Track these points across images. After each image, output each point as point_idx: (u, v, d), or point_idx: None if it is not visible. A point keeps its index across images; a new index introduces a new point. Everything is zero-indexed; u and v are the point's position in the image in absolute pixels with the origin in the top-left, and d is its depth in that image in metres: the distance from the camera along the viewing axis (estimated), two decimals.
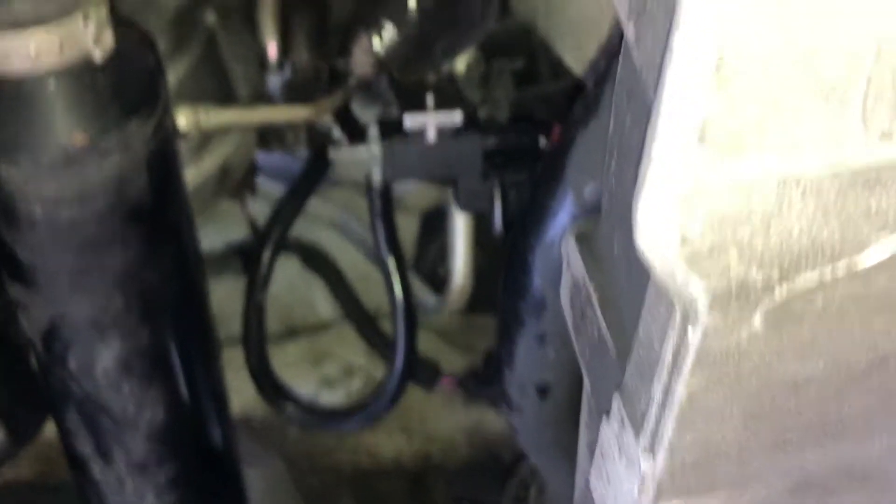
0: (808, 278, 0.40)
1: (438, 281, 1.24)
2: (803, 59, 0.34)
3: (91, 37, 0.70)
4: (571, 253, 0.55)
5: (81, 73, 0.71)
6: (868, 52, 0.34)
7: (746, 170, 0.36)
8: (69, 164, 0.72)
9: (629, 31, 0.45)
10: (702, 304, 0.40)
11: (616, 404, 0.49)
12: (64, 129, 0.71)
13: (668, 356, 0.43)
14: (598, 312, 0.52)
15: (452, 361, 1.27)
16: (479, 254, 1.16)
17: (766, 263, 0.39)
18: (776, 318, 0.41)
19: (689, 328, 0.41)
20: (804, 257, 0.39)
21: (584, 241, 0.55)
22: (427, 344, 1.35)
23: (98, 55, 0.71)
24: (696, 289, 0.40)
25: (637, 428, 0.46)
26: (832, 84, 0.35)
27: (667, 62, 0.36)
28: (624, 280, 0.51)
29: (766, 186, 0.36)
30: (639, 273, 0.47)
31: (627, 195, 0.46)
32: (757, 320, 0.41)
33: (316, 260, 1.28)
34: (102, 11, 0.71)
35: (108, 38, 0.72)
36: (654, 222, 0.37)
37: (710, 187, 0.36)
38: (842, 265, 0.39)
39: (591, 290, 0.53)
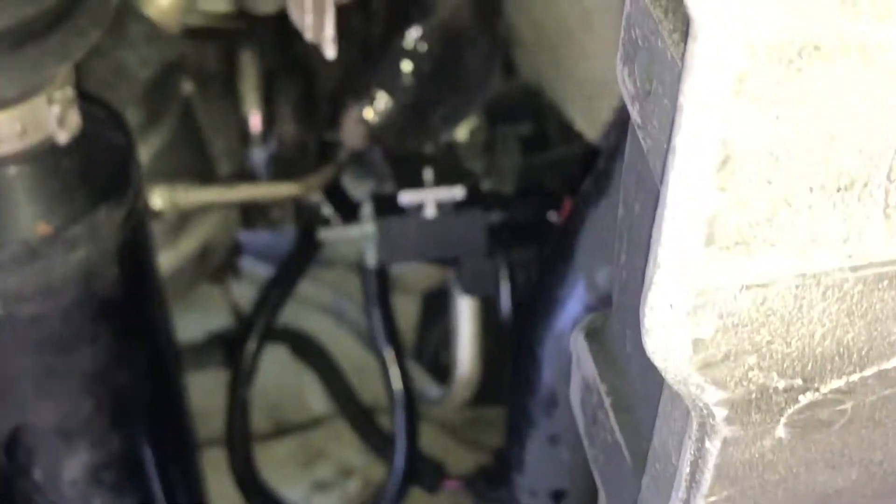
0: (834, 384, 0.41)
1: (442, 370, 1.24)
2: (816, 152, 0.35)
3: (55, 119, 0.72)
4: (581, 351, 0.56)
5: (45, 158, 0.73)
6: (889, 143, 0.35)
7: (760, 269, 0.37)
8: (32, 257, 0.73)
9: (635, 113, 0.46)
10: (720, 413, 0.41)
11: None
12: (26, 218, 0.72)
13: (685, 469, 0.43)
14: (612, 417, 0.53)
15: (459, 460, 1.27)
16: (486, 339, 1.16)
17: (788, 369, 0.40)
18: (802, 426, 0.42)
19: (707, 439, 0.41)
20: (829, 362, 0.40)
21: (595, 338, 0.56)
22: (430, 441, 1.35)
23: (63, 138, 0.73)
24: (712, 397, 0.40)
25: None
26: (850, 176, 0.36)
27: (670, 154, 0.37)
28: (638, 382, 0.52)
29: (782, 287, 0.37)
30: (654, 375, 0.48)
31: (639, 290, 0.47)
32: (781, 429, 0.42)
33: (307, 349, 1.29)
34: (68, 91, 0.73)
35: (74, 120, 0.73)
36: (663, 326, 0.38)
37: (721, 289, 0.37)
38: (871, 369, 0.40)
39: (604, 392, 0.54)
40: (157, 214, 0.98)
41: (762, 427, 0.41)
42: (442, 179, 0.98)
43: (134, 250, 0.80)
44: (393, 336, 1.05)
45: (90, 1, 0.71)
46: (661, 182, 0.40)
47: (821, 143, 0.35)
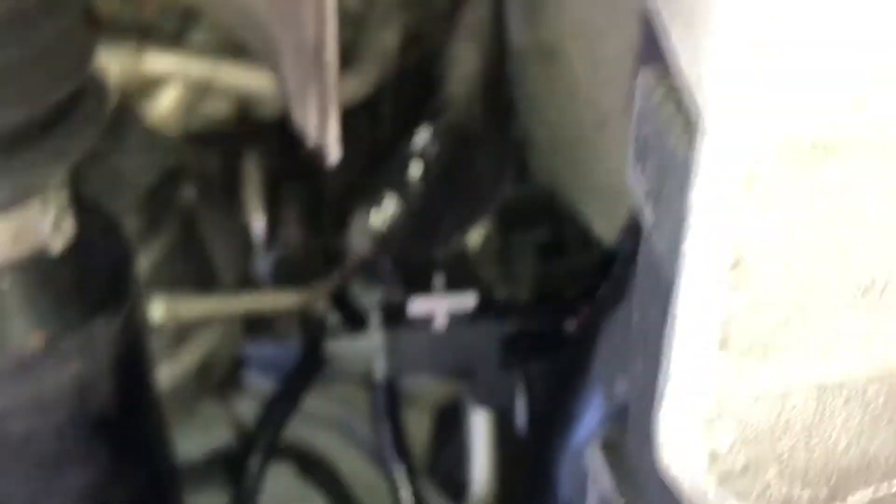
0: (861, 494, 0.41)
1: (456, 488, 1.24)
2: (833, 253, 0.35)
3: (49, 225, 0.73)
4: (598, 466, 0.56)
5: (37, 267, 0.73)
6: None
7: (777, 377, 0.37)
8: (23, 371, 0.73)
9: (647, 215, 0.47)
10: None
11: None
12: (17, 330, 0.73)
13: None
14: None
15: None
16: (502, 455, 1.16)
17: (812, 480, 0.40)
18: None
19: None
20: (855, 472, 0.40)
21: (612, 452, 0.56)
22: None
23: (57, 245, 0.73)
24: None
25: None
26: (870, 279, 0.36)
27: (681, 255, 0.37)
28: (657, 497, 0.52)
29: (801, 395, 0.37)
30: (673, 490, 0.48)
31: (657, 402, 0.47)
32: None
33: (314, 467, 1.28)
34: (63, 196, 0.73)
35: (69, 226, 0.74)
36: (678, 438, 0.38)
37: (738, 397, 0.37)
38: None
39: None
40: (156, 326, 0.98)
41: None
42: (453, 287, 0.98)
43: (131, 364, 0.80)
44: (404, 452, 1.05)
45: (85, 104, 0.73)
46: (674, 286, 0.40)
47: (837, 243, 0.35)
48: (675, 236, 0.43)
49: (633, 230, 0.86)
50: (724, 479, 0.40)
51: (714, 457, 0.39)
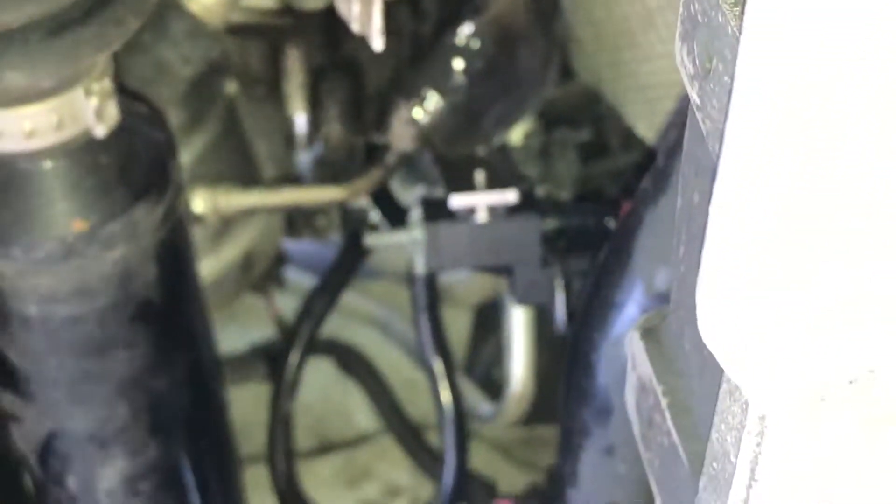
0: None
1: (494, 387, 1.24)
2: None
3: (93, 112, 0.73)
4: (637, 351, 0.56)
5: (82, 153, 0.73)
6: None
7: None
8: (68, 256, 0.74)
9: (693, 94, 0.46)
10: (781, 404, 0.40)
11: None
12: (62, 215, 0.73)
13: (744, 466, 0.43)
14: (669, 419, 0.53)
15: (510, 480, 1.26)
16: (540, 354, 1.16)
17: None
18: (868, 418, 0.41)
19: (767, 433, 0.41)
20: None
21: (652, 338, 0.55)
22: (481, 460, 1.35)
23: (101, 132, 0.73)
24: (772, 387, 0.40)
25: None
26: None
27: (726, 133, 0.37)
28: (697, 381, 0.52)
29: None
30: (713, 372, 0.47)
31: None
32: (846, 423, 0.41)
33: (353, 363, 1.29)
34: (106, 83, 0.73)
35: (113, 113, 0.74)
36: (717, 315, 0.38)
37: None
38: None
39: (660, 393, 0.53)
40: (198, 219, 0.98)
41: (826, 419, 0.41)
42: (495, 184, 0.98)
43: (173, 251, 0.80)
44: (442, 347, 1.05)
45: None
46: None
47: None
48: (722, 116, 0.42)
49: (677, 123, 0.85)
50: (761, 358, 0.39)
51: (751, 334, 0.38)
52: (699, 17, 0.45)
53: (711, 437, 0.46)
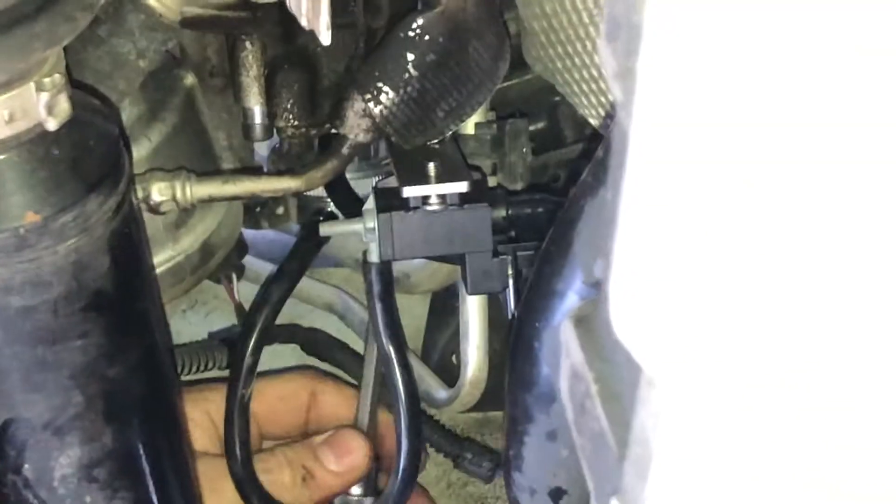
0: None
1: (448, 372, 1.25)
2: None
3: (44, 106, 0.73)
4: (570, 339, 0.57)
5: (34, 146, 0.74)
6: None
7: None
8: (21, 247, 0.74)
9: (617, 92, 0.47)
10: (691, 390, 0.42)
11: None
12: (14, 208, 0.74)
13: (662, 451, 0.44)
14: (598, 405, 0.54)
15: None
16: (494, 340, 1.17)
17: None
18: None
19: (679, 417, 0.42)
20: None
21: (584, 326, 0.56)
22: None
23: (52, 126, 0.74)
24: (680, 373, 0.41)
25: None
26: None
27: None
28: (624, 369, 0.53)
29: None
30: (635, 361, 0.49)
31: None
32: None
33: (320, 345, 1.30)
34: (57, 78, 0.74)
35: (64, 107, 0.75)
36: (629, 301, 0.39)
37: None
38: None
39: (591, 380, 0.54)
40: (155, 209, 0.99)
41: (738, 404, 0.42)
42: (447, 174, 0.99)
43: (126, 242, 0.81)
44: (396, 333, 1.06)
45: None
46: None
47: None
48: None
49: (614, 117, 0.86)
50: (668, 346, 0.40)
51: (658, 323, 0.40)
52: (621, 19, 0.46)
53: (633, 423, 0.47)
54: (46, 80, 0.73)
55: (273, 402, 1.16)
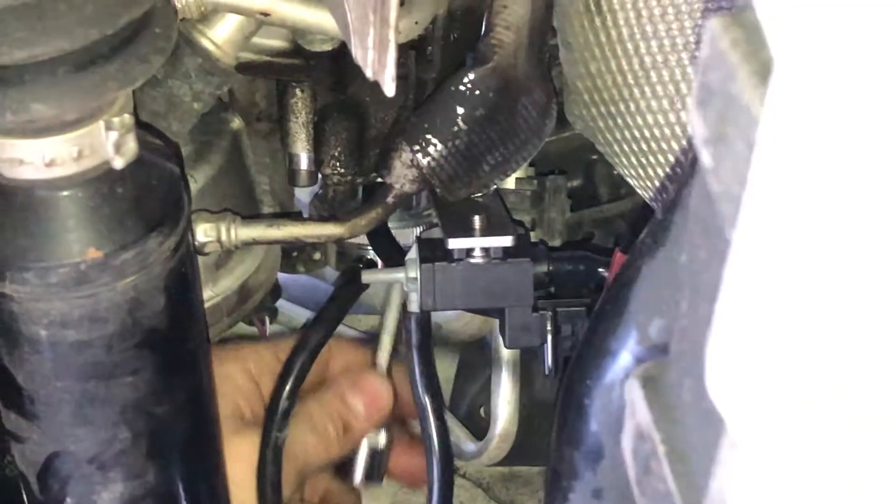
0: None
1: (477, 426, 1.25)
2: None
3: (112, 145, 0.74)
4: (636, 399, 0.57)
5: (99, 184, 0.75)
6: None
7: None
8: (80, 282, 0.75)
9: (706, 158, 0.48)
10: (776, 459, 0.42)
11: None
12: (77, 243, 0.75)
13: None
14: (666, 466, 0.54)
15: None
16: (526, 395, 1.18)
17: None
18: None
19: (761, 483, 0.43)
20: None
21: (651, 386, 0.57)
22: (463, 496, 1.36)
23: (119, 164, 0.75)
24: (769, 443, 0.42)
25: None
26: None
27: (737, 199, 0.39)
28: (695, 431, 0.53)
29: None
30: (711, 422, 0.49)
31: (701, 337, 0.48)
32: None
33: None
34: (126, 118, 0.75)
35: (131, 146, 0.76)
36: (724, 375, 0.40)
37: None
38: None
39: (658, 441, 0.55)
40: (199, 250, 1.00)
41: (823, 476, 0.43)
42: (492, 229, 0.99)
43: (181, 281, 0.82)
44: (432, 385, 1.06)
45: (153, 28, 0.74)
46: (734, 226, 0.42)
47: None
48: (732, 177, 0.44)
49: (674, 180, 0.87)
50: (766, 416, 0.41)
51: (752, 392, 0.40)
52: (714, 85, 0.47)
53: (710, 487, 0.48)
54: (116, 119, 0.74)
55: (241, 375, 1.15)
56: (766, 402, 0.41)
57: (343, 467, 1.19)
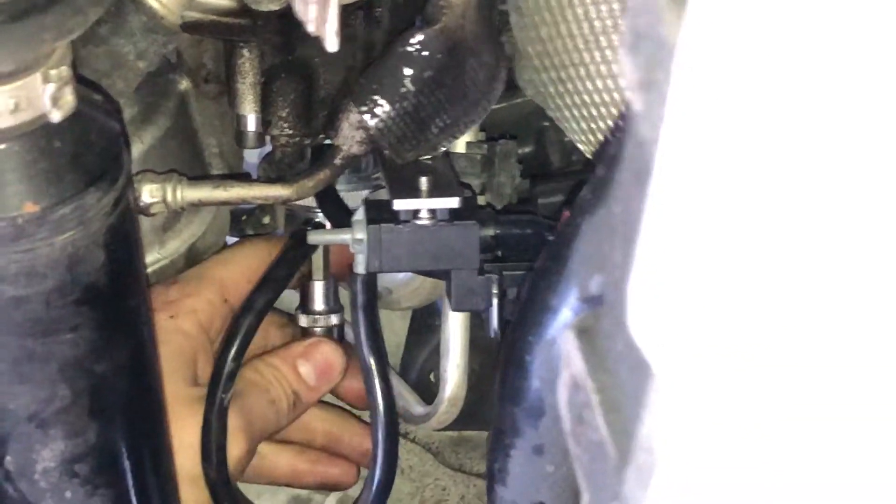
0: None
1: (426, 389, 1.25)
2: None
3: (49, 97, 0.73)
4: (571, 349, 0.57)
5: (36, 137, 0.74)
6: None
7: None
8: (17, 238, 0.74)
9: (636, 103, 0.48)
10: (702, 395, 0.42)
11: None
12: (13, 197, 0.73)
13: (667, 457, 0.44)
14: (599, 415, 0.54)
15: (441, 482, 1.28)
16: (473, 359, 1.17)
17: None
18: None
19: (688, 421, 0.43)
20: None
21: (585, 337, 0.57)
22: (412, 460, 1.36)
23: (56, 117, 0.74)
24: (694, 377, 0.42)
25: None
26: None
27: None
28: (627, 380, 0.53)
29: None
30: (641, 371, 0.49)
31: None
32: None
33: None
34: (64, 70, 0.74)
35: (69, 100, 0.75)
36: (647, 317, 0.39)
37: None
38: None
39: (592, 390, 0.55)
40: (145, 211, 0.99)
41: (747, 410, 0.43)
42: (437, 190, 0.99)
43: (121, 238, 0.81)
44: (377, 346, 1.06)
45: None
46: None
47: None
48: (660, 122, 0.44)
49: (615, 137, 0.87)
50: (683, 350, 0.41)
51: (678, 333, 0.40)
52: (643, 29, 0.46)
53: (638, 431, 0.48)
54: (53, 71, 0.73)
55: (238, 271, 1.13)
56: (686, 342, 0.41)
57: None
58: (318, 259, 1.15)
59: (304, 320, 1.17)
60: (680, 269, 0.39)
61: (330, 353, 1.14)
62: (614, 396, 0.54)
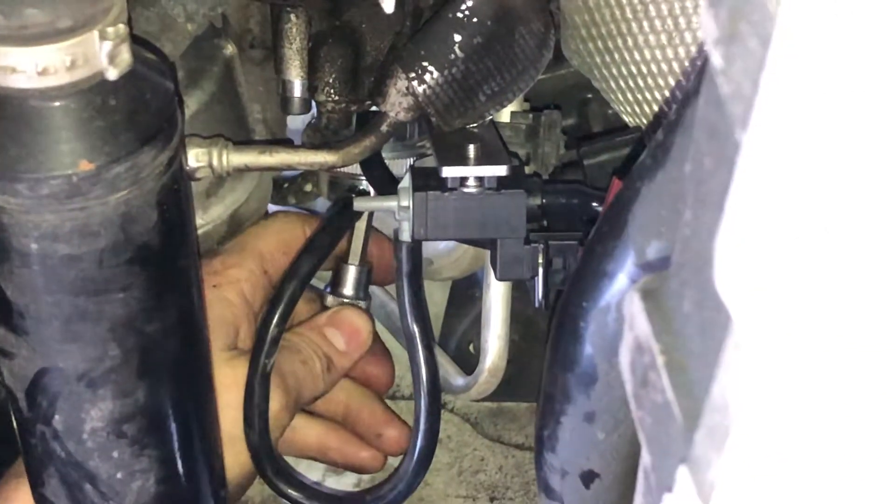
0: None
1: (466, 361, 1.25)
2: None
3: (106, 55, 0.73)
4: (636, 311, 0.56)
5: (92, 94, 0.73)
6: None
7: None
8: (72, 195, 0.74)
9: (715, 58, 0.47)
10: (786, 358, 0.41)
11: (681, 478, 0.50)
12: (68, 155, 0.73)
13: (744, 418, 0.44)
14: (665, 377, 0.53)
15: (480, 453, 1.27)
16: (514, 333, 1.17)
17: None
18: None
19: (769, 384, 0.42)
20: None
21: (651, 299, 0.56)
22: (451, 430, 1.36)
23: (112, 75, 0.74)
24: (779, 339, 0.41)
25: (708, 503, 0.47)
26: None
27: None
28: (695, 340, 0.52)
29: None
30: (713, 331, 0.48)
31: (704, 245, 0.48)
32: None
33: None
34: (121, 28, 0.74)
35: (125, 58, 0.74)
36: (733, 271, 0.39)
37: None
38: None
39: (657, 352, 0.54)
40: (191, 175, 0.99)
41: (832, 377, 0.42)
42: (487, 158, 0.98)
43: (173, 199, 0.80)
44: (422, 315, 1.06)
45: None
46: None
47: None
48: (744, 77, 0.43)
49: (681, 100, 0.86)
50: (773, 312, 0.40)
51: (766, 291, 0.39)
52: None
53: (712, 391, 0.47)
54: (110, 29, 0.73)
55: (274, 243, 1.14)
56: (773, 299, 0.40)
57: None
58: (357, 242, 1.15)
59: (331, 300, 1.17)
60: (773, 230, 0.38)
61: (355, 318, 1.14)
62: (681, 358, 0.54)
